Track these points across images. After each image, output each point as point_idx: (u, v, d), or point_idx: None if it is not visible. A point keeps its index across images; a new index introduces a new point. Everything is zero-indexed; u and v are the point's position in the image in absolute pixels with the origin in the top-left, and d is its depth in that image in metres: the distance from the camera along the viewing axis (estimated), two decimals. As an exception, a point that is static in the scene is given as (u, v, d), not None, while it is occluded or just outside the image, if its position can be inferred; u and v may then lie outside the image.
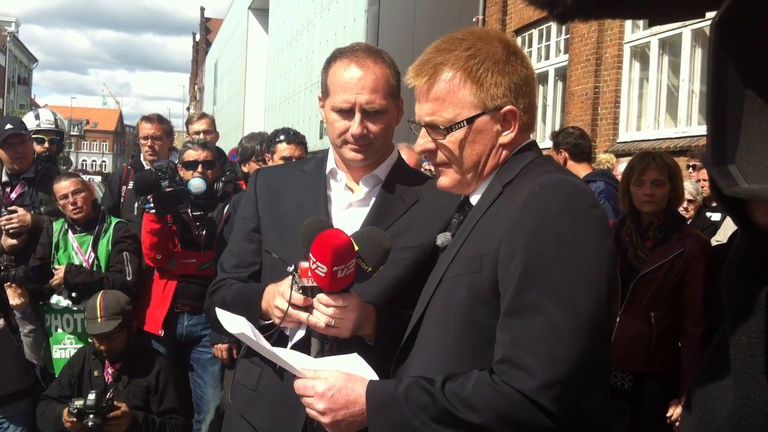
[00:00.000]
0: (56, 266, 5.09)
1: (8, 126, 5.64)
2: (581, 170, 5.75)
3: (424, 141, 2.09)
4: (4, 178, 5.69)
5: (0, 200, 5.60)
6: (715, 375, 1.39)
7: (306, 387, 2.02)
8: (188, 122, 7.14)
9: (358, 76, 2.46)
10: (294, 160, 4.83)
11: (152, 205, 4.85)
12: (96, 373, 4.70)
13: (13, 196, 5.63)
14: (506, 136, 2.03)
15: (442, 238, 2.19)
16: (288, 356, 2.12)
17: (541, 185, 1.87)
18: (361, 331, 2.29)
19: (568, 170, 2.14)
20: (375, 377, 2.05)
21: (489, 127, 2.02)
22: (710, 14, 1.22)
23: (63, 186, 5.18)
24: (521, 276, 1.79)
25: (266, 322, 2.40)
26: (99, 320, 4.65)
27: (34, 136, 6.23)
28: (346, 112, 2.47)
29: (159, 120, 6.37)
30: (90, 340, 4.80)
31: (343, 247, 2.07)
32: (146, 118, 6.35)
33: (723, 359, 1.37)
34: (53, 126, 6.65)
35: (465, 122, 2.00)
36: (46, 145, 6.50)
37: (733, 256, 1.42)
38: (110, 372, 4.70)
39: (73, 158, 76.06)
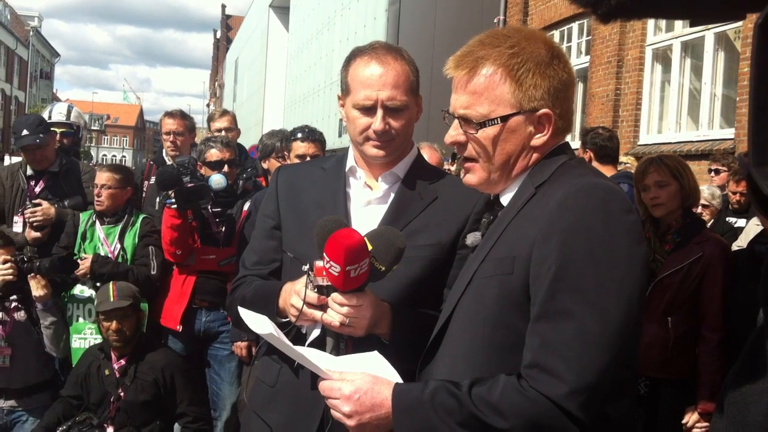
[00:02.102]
0: (82, 256, 5.13)
1: (24, 132, 5.62)
2: (605, 172, 5.67)
3: (455, 133, 2.07)
4: (29, 172, 5.74)
5: (24, 193, 5.66)
6: (749, 378, 1.38)
7: (332, 389, 2.01)
8: (210, 119, 7.12)
9: (379, 73, 2.47)
10: (308, 157, 4.84)
11: (173, 200, 4.89)
12: (107, 372, 4.75)
13: (38, 189, 5.68)
14: (538, 139, 2.01)
15: (472, 238, 2.17)
16: (312, 356, 2.13)
17: (576, 188, 1.85)
18: (376, 329, 2.30)
19: (602, 173, 2.13)
20: (397, 376, 2.05)
21: (522, 128, 2.00)
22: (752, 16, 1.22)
23: (98, 176, 5.32)
24: (553, 280, 1.78)
25: (283, 320, 2.42)
26: (111, 299, 4.71)
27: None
28: (368, 109, 2.48)
29: (182, 116, 6.41)
30: (100, 328, 4.83)
31: (355, 246, 2.08)
32: (169, 114, 6.38)
33: (758, 362, 1.36)
34: (63, 118, 6.66)
35: (499, 120, 1.98)
36: (58, 137, 6.47)
37: None
38: (116, 368, 4.74)
39: (93, 153, 76.54)
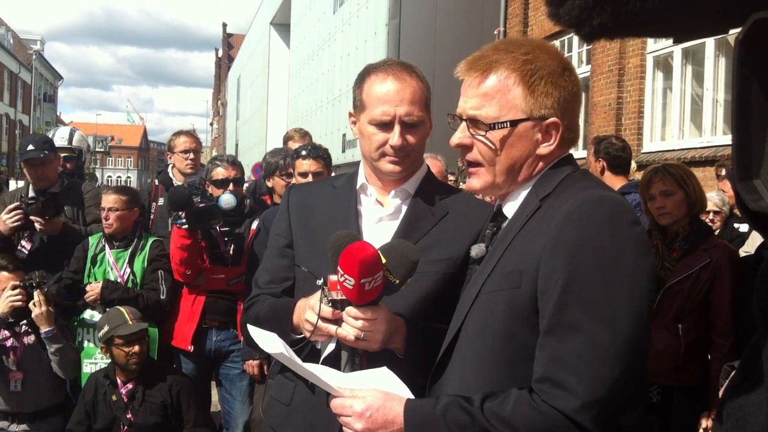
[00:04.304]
0: (91, 282, 5.16)
1: (30, 147, 5.70)
2: (617, 182, 5.62)
3: (462, 135, 2.08)
4: (31, 194, 5.77)
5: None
6: (747, 389, 1.38)
7: (344, 406, 2.01)
8: (288, 139, 6.87)
9: (396, 89, 2.50)
10: (311, 175, 4.85)
11: (184, 220, 4.91)
12: (114, 398, 4.74)
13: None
14: (545, 148, 2.03)
15: (477, 249, 2.18)
16: (322, 373, 2.13)
17: (582, 200, 1.86)
18: (390, 344, 2.30)
19: (607, 185, 2.14)
20: (408, 392, 2.06)
21: (530, 135, 2.01)
22: (733, 29, 1.23)
23: (104, 199, 5.34)
24: (561, 293, 1.78)
25: (298, 336, 2.42)
26: (129, 323, 4.73)
27: None
28: (386, 125, 2.50)
29: (195, 134, 6.48)
30: (107, 356, 4.82)
31: (369, 259, 2.09)
32: (185, 133, 6.40)
33: (756, 373, 1.36)
34: (66, 143, 6.68)
35: (508, 123, 2.00)
36: (61, 162, 6.51)
37: (765, 269, 1.42)
38: (123, 392, 4.74)
39: (98, 174, 76.79)
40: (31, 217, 5.31)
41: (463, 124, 2.08)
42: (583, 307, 1.76)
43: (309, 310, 2.32)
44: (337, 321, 2.26)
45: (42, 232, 5.41)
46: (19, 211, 5.30)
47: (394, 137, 2.49)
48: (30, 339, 5.06)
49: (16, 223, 5.30)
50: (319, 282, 2.26)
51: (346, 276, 2.12)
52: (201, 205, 4.91)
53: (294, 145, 6.60)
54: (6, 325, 4.96)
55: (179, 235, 4.96)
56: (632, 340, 1.76)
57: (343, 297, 2.21)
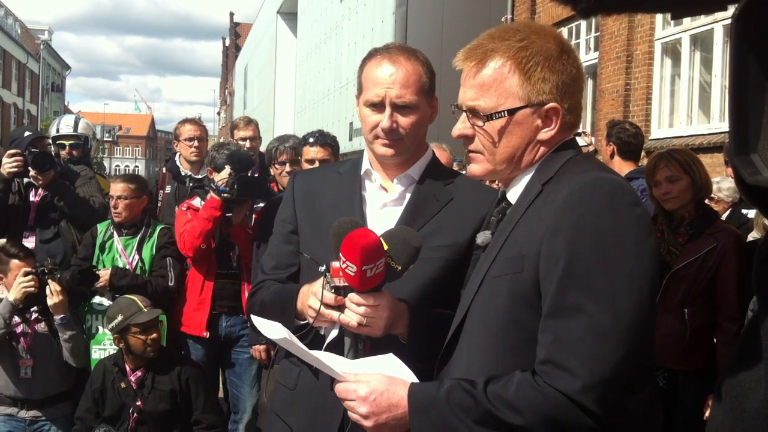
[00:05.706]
0: (101, 272, 5.18)
1: (27, 133, 5.81)
2: (626, 168, 5.61)
3: (462, 126, 2.09)
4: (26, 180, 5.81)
5: (26, 204, 5.75)
6: (746, 366, 1.38)
7: (348, 391, 2.02)
8: (234, 128, 7.01)
9: (389, 72, 2.52)
10: (317, 162, 4.86)
11: (226, 188, 4.91)
12: (123, 385, 4.75)
13: (37, 199, 5.73)
14: (546, 133, 2.02)
15: (482, 237, 2.18)
16: (327, 359, 2.14)
17: (581, 183, 1.86)
18: (394, 329, 2.31)
19: (608, 168, 2.13)
20: (413, 377, 2.07)
21: (529, 121, 2.01)
22: (732, 7, 1.24)
23: (112, 187, 5.38)
24: (562, 276, 1.78)
25: (302, 322, 2.44)
26: (145, 310, 4.74)
27: (57, 142, 6.44)
28: (377, 106, 2.52)
29: (200, 122, 6.52)
30: (121, 345, 4.82)
31: (371, 246, 2.10)
32: (189, 121, 6.42)
33: (754, 350, 1.37)
34: (71, 130, 6.71)
35: (506, 112, 2.00)
36: (67, 150, 6.54)
37: (763, 246, 1.43)
38: (132, 380, 4.76)
39: (106, 163, 76.94)
40: (31, 173, 5.45)
41: (464, 114, 2.08)
42: (585, 289, 1.76)
43: (312, 297, 2.33)
44: (340, 307, 2.27)
45: (36, 180, 5.52)
46: (19, 157, 5.42)
47: (384, 119, 2.50)
48: (41, 326, 5.10)
49: (14, 169, 5.43)
50: (322, 268, 2.27)
51: (348, 263, 2.13)
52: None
53: (240, 133, 6.69)
54: (17, 311, 5.00)
55: (212, 205, 4.94)
56: (635, 321, 1.75)
57: (346, 284, 2.22)
